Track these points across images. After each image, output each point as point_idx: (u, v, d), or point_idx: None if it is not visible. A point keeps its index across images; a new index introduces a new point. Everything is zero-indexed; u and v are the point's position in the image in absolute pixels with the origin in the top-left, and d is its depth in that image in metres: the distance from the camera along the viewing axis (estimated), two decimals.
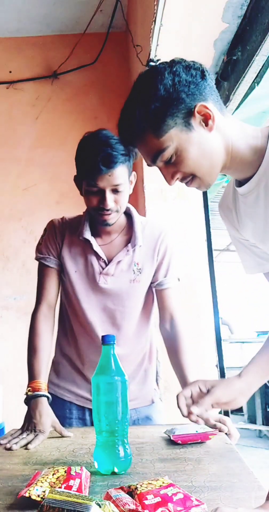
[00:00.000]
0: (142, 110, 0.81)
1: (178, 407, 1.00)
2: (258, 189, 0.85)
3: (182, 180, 0.87)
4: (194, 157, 0.82)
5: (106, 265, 1.33)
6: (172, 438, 1.17)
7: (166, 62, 0.83)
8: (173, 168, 0.85)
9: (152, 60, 1.80)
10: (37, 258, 1.45)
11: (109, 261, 1.33)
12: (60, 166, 3.00)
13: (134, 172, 1.32)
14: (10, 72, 3.12)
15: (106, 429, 0.96)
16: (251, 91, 1.86)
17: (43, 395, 1.22)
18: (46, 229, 1.46)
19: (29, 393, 1.23)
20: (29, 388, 1.24)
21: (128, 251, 1.33)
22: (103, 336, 0.98)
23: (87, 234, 1.34)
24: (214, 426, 1.17)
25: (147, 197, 2.47)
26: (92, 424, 1.37)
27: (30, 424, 1.20)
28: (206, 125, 0.82)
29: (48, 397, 1.24)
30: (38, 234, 3.08)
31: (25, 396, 1.24)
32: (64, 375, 1.41)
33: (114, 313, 1.33)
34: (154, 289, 1.41)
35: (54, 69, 3.05)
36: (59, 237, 1.40)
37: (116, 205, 1.24)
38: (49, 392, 1.28)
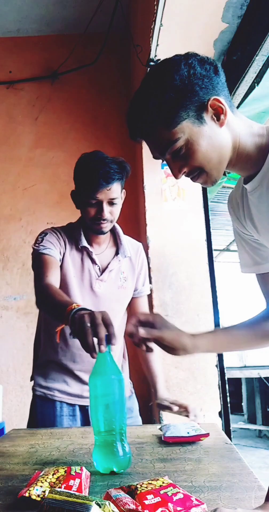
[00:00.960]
0: (156, 100, 0.80)
1: (129, 333, 0.98)
2: (261, 187, 0.85)
3: (188, 174, 0.87)
4: (204, 150, 0.82)
5: (100, 271, 1.48)
6: (163, 439, 1.17)
7: (181, 55, 0.83)
8: (181, 161, 0.84)
9: (152, 60, 1.80)
10: (38, 251, 1.40)
11: (103, 268, 1.48)
12: (60, 166, 3.00)
13: (124, 191, 1.47)
14: (10, 72, 3.12)
15: (104, 429, 0.96)
16: (251, 91, 1.86)
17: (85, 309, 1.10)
18: (45, 233, 1.47)
19: (73, 311, 1.08)
20: (70, 309, 1.09)
21: (119, 260, 1.51)
22: None
23: (85, 243, 1.47)
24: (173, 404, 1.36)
25: (147, 197, 2.48)
26: (83, 422, 1.45)
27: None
28: (218, 119, 0.82)
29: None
30: (38, 234, 3.08)
31: (70, 315, 1.08)
32: (53, 377, 1.48)
33: None
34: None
35: (54, 69, 3.05)
36: (62, 240, 1.47)
37: (111, 216, 1.41)
38: (37, 395, 1.45)
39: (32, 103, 3.09)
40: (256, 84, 1.83)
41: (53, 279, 1.35)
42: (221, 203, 4.70)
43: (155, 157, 0.89)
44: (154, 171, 2.50)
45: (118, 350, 1.54)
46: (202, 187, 2.50)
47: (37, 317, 1.62)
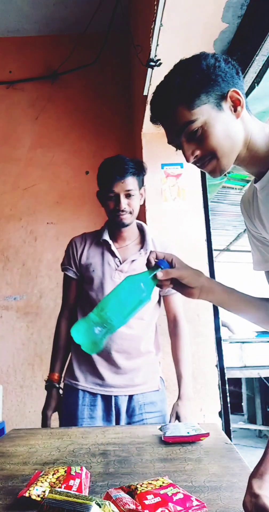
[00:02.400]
0: (182, 79, 0.86)
1: (147, 259, 0.97)
2: (268, 187, 0.87)
3: (199, 160, 0.90)
4: (219, 135, 0.85)
5: (120, 263, 1.59)
6: (163, 439, 1.17)
7: (208, 52, 0.90)
8: (195, 145, 0.88)
9: (152, 60, 1.80)
10: (62, 269, 1.71)
11: (124, 260, 1.60)
12: (60, 166, 3.00)
13: (144, 187, 1.63)
14: (10, 72, 3.12)
15: (98, 308, 0.95)
16: (251, 91, 1.86)
17: (53, 386, 1.61)
18: (67, 246, 1.72)
19: (46, 383, 1.63)
20: (46, 379, 1.64)
21: (140, 254, 1.61)
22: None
23: (106, 237, 1.62)
24: None
25: (147, 197, 2.47)
26: (104, 411, 1.55)
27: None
28: (235, 110, 0.87)
29: (57, 387, 1.62)
30: (38, 234, 3.10)
31: (45, 383, 1.64)
32: (77, 368, 1.61)
33: None
34: (162, 296, 1.68)
35: (54, 69, 3.05)
36: (79, 250, 1.66)
37: (129, 207, 1.55)
38: (65, 384, 1.63)
39: (32, 103, 3.09)
40: (256, 84, 1.83)
41: (71, 302, 1.69)
42: (221, 203, 4.70)
43: (170, 141, 0.93)
44: (154, 171, 2.49)
45: (148, 345, 1.62)
46: (202, 187, 2.50)
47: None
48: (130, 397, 1.56)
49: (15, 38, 3.13)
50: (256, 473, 0.69)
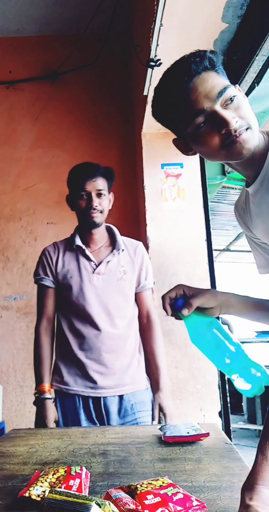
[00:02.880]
0: (212, 52, 0.86)
1: (163, 308, 0.99)
2: (262, 189, 0.87)
3: (239, 127, 0.82)
4: (249, 109, 0.85)
5: (96, 266, 1.63)
6: (163, 439, 1.17)
7: None
8: (232, 112, 0.82)
9: (152, 60, 1.80)
10: (35, 281, 1.72)
11: (99, 263, 1.64)
12: (60, 166, 3.00)
13: (112, 193, 1.68)
14: (10, 72, 3.11)
15: (233, 358, 0.89)
16: (251, 91, 1.86)
17: (47, 398, 1.57)
18: (40, 256, 1.73)
19: (36, 395, 1.59)
20: (36, 391, 1.60)
21: (114, 254, 1.65)
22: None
23: (78, 242, 1.65)
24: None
25: (147, 197, 2.48)
26: (96, 413, 1.57)
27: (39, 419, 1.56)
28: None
29: (50, 398, 1.58)
30: (38, 234, 3.10)
31: (34, 397, 1.60)
32: (66, 372, 1.61)
33: (107, 306, 1.60)
34: (135, 294, 1.71)
35: (54, 69, 3.04)
36: (54, 258, 1.68)
37: (100, 206, 1.60)
38: (55, 390, 1.61)
39: (32, 103, 3.08)
40: (256, 84, 1.83)
41: (49, 312, 1.69)
42: (221, 203, 4.70)
43: (198, 112, 0.83)
44: (154, 171, 2.50)
45: (133, 344, 1.65)
46: (202, 187, 2.50)
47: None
48: (121, 398, 1.58)
49: (15, 38, 3.12)
50: (247, 484, 0.69)
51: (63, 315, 1.66)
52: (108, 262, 1.63)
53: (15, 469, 1.03)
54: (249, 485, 0.68)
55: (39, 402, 1.57)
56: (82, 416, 1.56)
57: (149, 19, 1.72)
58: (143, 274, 1.71)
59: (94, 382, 1.56)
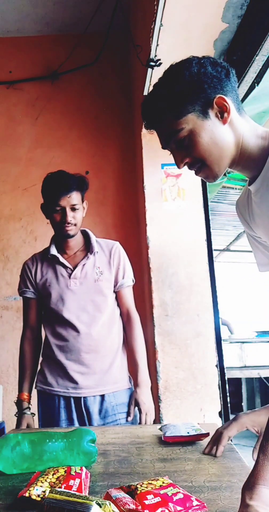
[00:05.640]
0: (167, 91, 0.88)
1: (221, 445, 1.05)
2: (262, 188, 0.87)
3: (190, 166, 0.91)
4: (205, 144, 0.86)
5: (72, 270, 1.68)
6: (163, 439, 1.17)
7: (196, 56, 0.90)
8: (184, 152, 0.89)
9: (152, 60, 1.80)
10: (19, 294, 1.79)
11: (74, 267, 1.68)
12: (60, 166, 2.97)
13: (86, 201, 1.72)
14: (10, 72, 3.11)
15: None
16: (251, 91, 1.86)
17: (25, 407, 1.67)
18: (21, 270, 1.79)
19: (17, 405, 1.69)
20: (16, 400, 1.70)
21: (88, 257, 1.69)
22: None
23: (54, 251, 1.70)
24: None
25: (147, 197, 2.47)
26: (77, 412, 1.60)
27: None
28: (221, 117, 0.87)
29: (28, 408, 1.68)
30: (38, 234, 3.10)
31: (16, 404, 1.70)
32: (49, 374, 1.67)
33: (86, 307, 1.65)
34: (115, 293, 1.74)
35: (54, 69, 3.04)
36: (33, 270, 1.74)
37: (74, 220, 1.64)
38: (38, 390, 1.69)
39: (32, 103, 3.08)
40: (256, 84, 1.83)
41: (32, 322, 1.77)
42: (221, 203, 4.70)
43: (162, 147, 0.95)
44: (154, 171, 2.49)
45: (115, 344, 1.68)
46: (202, 187, 2.50)
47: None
48: (102, 398, 1.60)
49: (15, 38, 3.12)
50: (247, 484, 0.69)
51: (46, 321, 1.73)
52: (83, 265, 1.68)
53: None
54: (250, 485, 0.69)
55: (18, 415, 1.67)
56: (63, 416, 1.60)
57: (149, 19, 1.72)
58: (121, 272, 1.73)
59: (75, 382, 1.60)
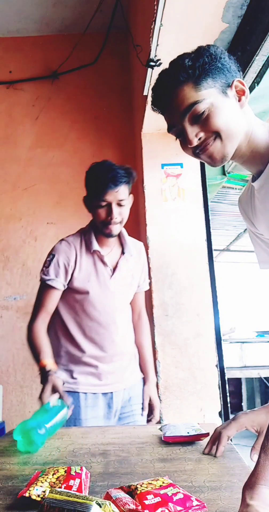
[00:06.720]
0: (192, 59, 0.87)
1: (221, 445, 1.05)
2: (266, 185, 0.87)
3: (203, 142, 0.88)
4: (224, 118, 0.86)
5: (112, 272, 1.62)
6: (163, 439, 1.17)
7: None
8: (198, 127, 0.87)
9: (152, 60, 1.80)
10: (43, 280, 1.58)
11: (113, 268, 1.62)
12: (60, 166, 3.00)
13: (131, 195, 1.59)
14: (10, 72, 3.11)
15: None
16: (251, 91, 1.86)
17: (48, 373, 1.43)
18: (53, 255, 1.59)
19: (43, 368, 1.46)
20: (43, 365, 1.47)
21: (126, 259, 1.65)
22: None
23: (97, 247, 1.59)
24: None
25: (147, 197, 2.47)
26: (106, 407, 1.61)
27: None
28: (239, 100, 0.88)
29: (53, 371, 1.46)
30: (38, 234, 3.09)
31: (39, 373, 1.49)
32: (75, 369, 1.60)
33: (120, 310, 1.64)
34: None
35: (54, 69, 3.04)
36: (71, 261, 1.57)
37: (120, 217, 1.53)
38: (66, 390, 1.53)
39: (32, 103, 3.08)
40: (256, 84, 1.83)
41: (46, 314, 1.59)
42: (221, 203, 4.70)
43: (171, 126, 0.91)
44: (154, 171, 2.49)
45: (132, 340, 1.71)
46: (202, 187, 2.50)
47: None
48: (123, 391, 1.65)
49: (15, 38, 3.12)
50: (248, 484, 0.69)
51: (72, 317, 1.61)
52: (121, 267, 1.64)
53: (15, 469, 1.03)
54: (251, 485, 0.69)
55: (42, 380, 1.46)
56: (89, 414, 1.57)
57: (149, 19, 1.72)
58: (143, 276, 1.77)
59: (104, 379, 1.60)
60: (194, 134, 0.87)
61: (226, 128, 0.86)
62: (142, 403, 1.68)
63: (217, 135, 0.86)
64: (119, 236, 1.67)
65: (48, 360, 1.48)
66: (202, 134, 0.87)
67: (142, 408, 1.67)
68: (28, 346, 1.56)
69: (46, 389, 1.37)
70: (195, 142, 0.87)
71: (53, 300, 1.59)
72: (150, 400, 1.68)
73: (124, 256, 1.64)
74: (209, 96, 0.85)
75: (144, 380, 1.73)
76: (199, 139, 0.87)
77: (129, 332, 1.71)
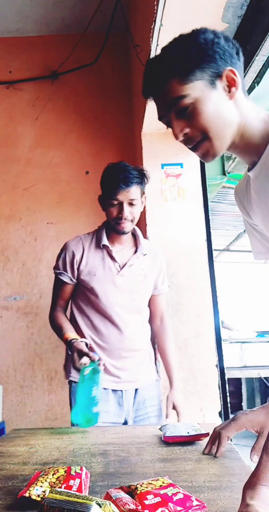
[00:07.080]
0: (177, 51, 0.84)
1: (221, 445, 1.04)
2: (261, 176, 0.85)
3: (189, 140, 0.86)
4: (209, 114, 0.83)
5: (120, 268, 1.65)
6: (163, 439, 1.17)
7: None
8: (184, 122, 0.85)
9: None
10: (55, 273, 1.71)
11: (123, 265, 1.66)
12: (60, 166, 3.00)
13: (145, 195, 1.67)
14: (10, 72, 3.11)
15: None
16: (251, 91, 1.86)
17: (74, 339, 1.51)
18: (63, 250, 1.70)
19: (67, 340, 1.53)
20: (66, 338, 1.54)
21: (138, 258, 1.68)
22: None
23: (106, 241, 1.65)
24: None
25: (147, 197, 2.47)
26: (116, 404, 1.62)
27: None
28: (229, 91, 0.84)
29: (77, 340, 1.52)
30: (38, 234, 3.10)
31: (68, 343, 1.54)
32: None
33: (128, 306, 1.65)
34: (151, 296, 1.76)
35: (54, 69, 3.04)
36: (77, 256, 1.65)
37: (131, 215, 1.60)
38: (71, 381, 1.64)
39: (32, 103, 3.08)
40: (256, 84, 1.83)
41: (62, 304, 1.72)
42: (221, 203, 4.70)
43: (160, 117, 0.90)
44: (154, 171, 2.49)
45: (147, 340, 1.74)
46: (202, 187, 2.49)
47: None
48: (135, 392, 1.65)
49: (15, 38, 3.12)
50: (249, 484, 0.69)
51: (82, 311, 1.68)
52: (131, 264, 1.67)
53: (15, 469, 1.03)
54: (251, 485, 0.68)
55: (68, 348, 1.53)
56: (100, 407, 1.56)
57: (149, 19, 1.72)
58: (161, 279, 1.78)
59: (116, 376, 1.62)
60: (179, 129, 0.85)
61: (212, 126, 0.83)
62: (166, 410, 1.64)
63: (205, 135, 0.84)
64: (135, 237, 1.74)
65: (70, 333, 1.56)
66: (187, 130, 0.85)
67: (166, 416, 1.64)
68: (53, 330, 1.66)
69: (75, 357, 1.44)
70: (181, 137, 0.86)
71: (65, 291, 1.70)
72: (175, 407, 1.64)
73: (136, 255, 1.68)
74: (195, 90, 0.82)
75: (170, 384, 1.71)
76: (185, 134, 0.86)
77: (142, 331, 1.72)
